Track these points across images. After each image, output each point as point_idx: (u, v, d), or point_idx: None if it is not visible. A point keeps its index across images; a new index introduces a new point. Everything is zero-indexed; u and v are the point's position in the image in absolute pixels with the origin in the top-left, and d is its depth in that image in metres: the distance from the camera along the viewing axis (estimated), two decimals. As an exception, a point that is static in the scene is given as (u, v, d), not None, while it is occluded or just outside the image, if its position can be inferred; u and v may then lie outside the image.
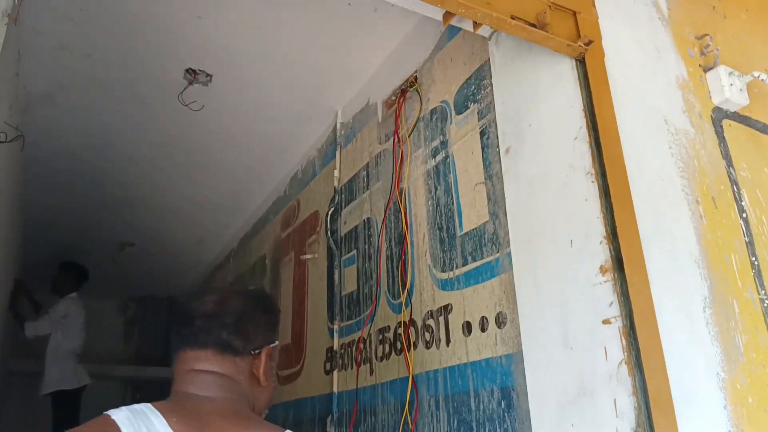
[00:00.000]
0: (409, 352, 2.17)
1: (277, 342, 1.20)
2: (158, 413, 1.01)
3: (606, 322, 1.20)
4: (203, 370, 1.10)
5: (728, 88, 1.66)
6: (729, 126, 1.69)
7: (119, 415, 0.99)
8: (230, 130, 3.32)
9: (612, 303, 1.20)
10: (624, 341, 1.16)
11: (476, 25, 1.36)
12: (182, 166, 3.73)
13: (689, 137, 1.53)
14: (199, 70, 2.81)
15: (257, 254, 4.18)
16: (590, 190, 1.30)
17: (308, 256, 3.11)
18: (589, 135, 1.33)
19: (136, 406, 1.04)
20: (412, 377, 2.11)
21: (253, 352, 1.12)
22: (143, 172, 3.78)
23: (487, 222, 1.86)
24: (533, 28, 1.34)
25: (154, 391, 6.74)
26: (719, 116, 1.67)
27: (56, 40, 2.54)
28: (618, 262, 1.21)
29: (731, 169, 1.60)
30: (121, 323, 6.97)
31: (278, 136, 3.42)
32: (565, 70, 1.44)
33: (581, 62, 1.41)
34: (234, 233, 4.80)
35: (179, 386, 1.11)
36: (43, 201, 4.15)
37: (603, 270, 1.23)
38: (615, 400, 1.15)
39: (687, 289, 1.29)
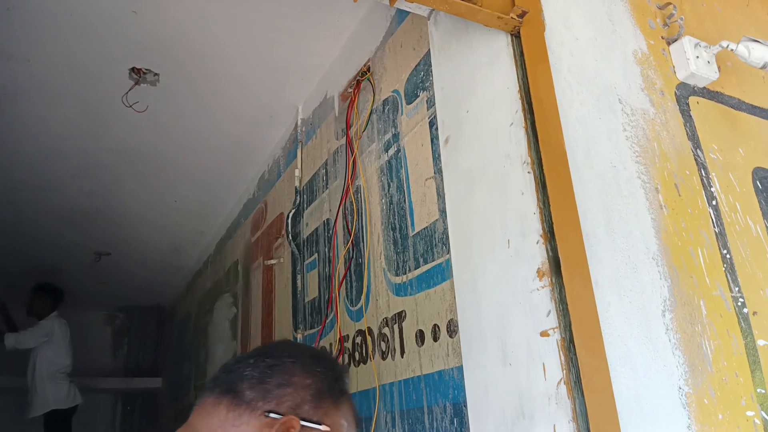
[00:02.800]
0: (365, 364, 2.01)
1: (327, 428, 0.82)
2: None
3: (544, 334, 1.03)
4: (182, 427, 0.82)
5: (694, 61, 1.48)
6: (697, 103, 1.52)
7: None
8: (188, 131, 3.16)
9: (550, 312, 1.03)
10: (563, 357, 0.99)
11: (391, -2, 1.19)
12: (144, 173, 3.58)
13: (648, 117, 1.36)
14: (146, 69, 2.65)
15: (231, 260, 4.02)
16: (526, 182, 1.13)
17: (272, 261, 2.95)
18: (525, 119, 1.16)
19: None
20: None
21: (267, 414, 0.78)
22: (105, 180, 3.63)
23: (437, 220, 1.70)
24: (457, 0, 1.17)
25: (145, 402, 6.62)
26: (685, 93, 1.49)
27: (-11, 46, 2.39)
28: (556, 265, 1.05)
29: (699, 151, 1.42)
30: (109, 334, 6.84)
31: (240, 135, 3.25)
32: (501, 48, 1.27)
33: (517, 37, 1.24)
34: (210, 239, 4.64)
35: None
36: (9, 214, 4.01)
37: (540, 274, 1.06)
38: (554, 426, 0.99)
39: (642, 291, 1.12)
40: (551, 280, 1.04)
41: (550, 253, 1.05)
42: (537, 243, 1.08)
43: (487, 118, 1.28)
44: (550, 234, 1.07)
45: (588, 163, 1.19)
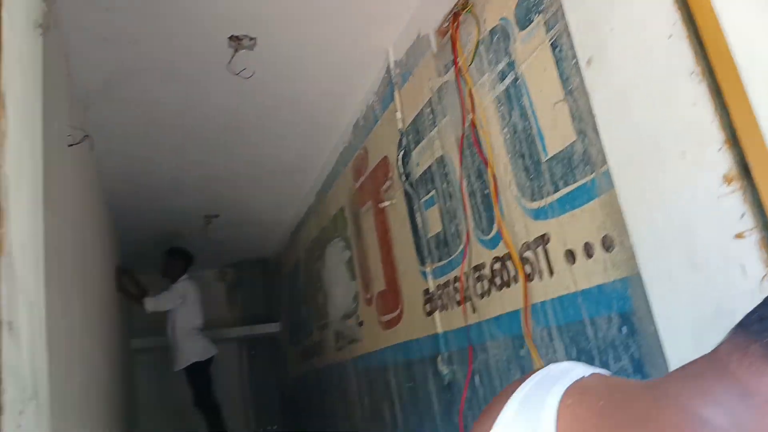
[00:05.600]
0: (509, 287, 2.11)
1: None
2: None
3: (739, 236, 1.08)
4: None
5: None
6: None
7: None
8: (284, 89, 3.26)
9: (743, 214, 1.07)
10: (765, 254, 1.04)
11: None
12: (247, 136, 3.74)
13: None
14: (243, 35, 2.74)
15: (335, 207, 4.19)
16: (698, 93, 1.14)
17: (386, 203, 3.07)
18: (687, 30, 1.17)
19: None
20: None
21: None
22: (212, 147, 3.83)
23: (574, 142, 1.73)
24: None
25: (265, 346, 7.13)
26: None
27: (99, 32, 2.52)
28: (744, 169, 1.08)
29: None
30: (223, 289, 7.34)
31: (332, 85, 3.32)
32: (646, -41, 1.26)
33: (665, -55, 1.23)
34: (308, 191, 4.83)
35: None
36: (126, 189, 4.31)
37: (728, 179, 1.10)
38: (761, 320, 1.05)
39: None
40: (741, 183, 1.07)
41: (737, 158, 1.09)
42: (719, 150, 1.11)
43: (638, 35, 1.29)
44: (733, 140, 1.09)
45: (752, 68, 1.18)
